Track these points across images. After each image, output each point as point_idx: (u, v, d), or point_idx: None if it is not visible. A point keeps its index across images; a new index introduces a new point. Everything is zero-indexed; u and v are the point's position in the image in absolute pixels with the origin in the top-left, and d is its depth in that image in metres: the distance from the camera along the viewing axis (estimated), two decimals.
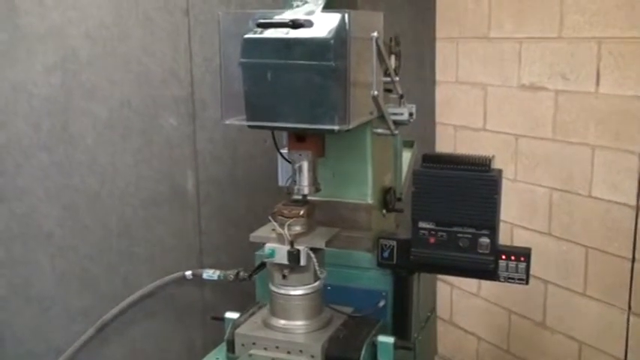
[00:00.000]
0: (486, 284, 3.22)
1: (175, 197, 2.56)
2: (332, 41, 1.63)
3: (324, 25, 1.64)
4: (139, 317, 2.54)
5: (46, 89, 2.24)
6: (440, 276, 3.42)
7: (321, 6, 1.71)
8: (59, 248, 2.34)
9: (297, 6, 1.74)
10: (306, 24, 1.65)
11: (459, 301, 3.44)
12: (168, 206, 2.55)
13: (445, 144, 3.37)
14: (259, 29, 1.70)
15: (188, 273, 2.56)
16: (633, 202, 2.52)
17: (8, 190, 2.22)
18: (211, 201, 2.65)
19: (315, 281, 1.86)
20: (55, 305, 2.36)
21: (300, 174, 1.84)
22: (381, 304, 2.01)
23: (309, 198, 1.88)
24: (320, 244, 1.82)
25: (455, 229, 1.87)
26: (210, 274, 2.53)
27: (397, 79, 2.03)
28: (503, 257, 1.87)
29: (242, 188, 2.70)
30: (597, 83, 2.61)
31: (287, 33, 1.66)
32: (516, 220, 3.02)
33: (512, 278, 1.88)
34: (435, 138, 3.43)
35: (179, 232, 2.59)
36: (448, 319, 3.52)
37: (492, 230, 1.84)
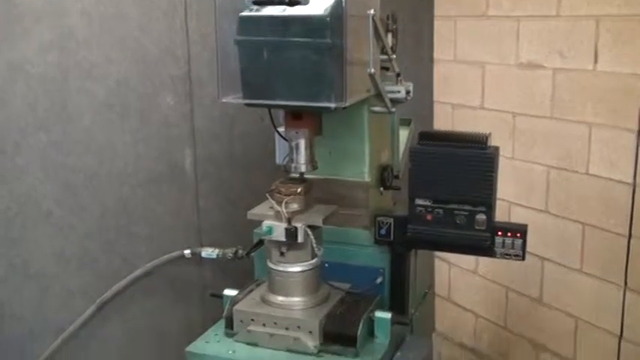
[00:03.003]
0: (484, 262, 3.24)
1: (173, 176, 2.56)
2: (328, 18, 1.63)
3: (320, 2, 1.64)
4: (138, 296, 2.55)
5: (42, 68, 2.23)
6: (438, 254, 3.44)
7: None
8: (58, 227, 2.34)
9: None
10: (303, 1, 1.65)
11: (456, 278, 3.46)
12: (167, 185, 2.55)
13: (443, 122, 3.37)
14: (255, 7, 1.70)
15: (187, 252, 2.57)
16: (630, 179, 2.52)
17: (6, 169, 2.22)
18: (209, 179, 2.65)
19: (313, 258, 1.87)
20: (55, 284, 2.37)
21: (297, 152, 1.85)
22: (379, 280, 2.02)
23: (306, 176, 1.88)
24: (317, 221, 1.83)
25: (452, 206, 1.88)
26: (208, 252, 2.55)
27: (394, 56, 2.03)
28: (500, 234, 1.88)
29: (240, 166, 2.70)
30: (595, 61, 2.60)
31: (283, 10, 1.66)
32: (514, 198, 3.03)
33: (509, 254, 1.89)
34: (433, 117, 3.43)
35: (177, 211, 2.60)
36: (446, 297, 3.54)
37: (489, 207, 1.85)
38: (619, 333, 2.66)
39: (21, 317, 2.32)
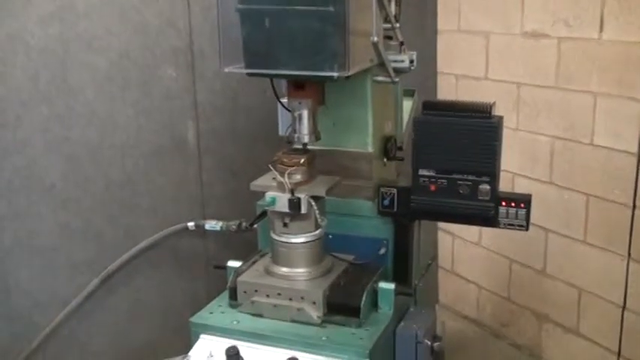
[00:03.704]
0: (487, 233, 3.24)
1: (176, 148, 2.56)
2: None
3: None
4: (142, 268, 2.56)
5: (43, 40, 2.22)
6: (441, 226, 3.44)
7: None
8: (61, 200, 2.35)
9: None
10: None
11: (460, 250, 3.47)
12: (170, 157, 2.55)
13: (447, 94, 3.34)
14: None
15: (190, 224, 2.58)
16: (635, 149, 2.51)
17: (9, 142, 2.22)
18: (212, 152, 2.65)
19: (316, 229, 1.87)
20: (59, 257, 2.38)
21: (300, 122, 1.84)
22: (382, 251, 2.02)
23: (309, 147, 1.87)
24: (320, 192, 1.82)
25: (455, 176, 1.87)
26: (212, 224, 2.55)
27: (398, 25, 2.01)
28: (504, 204, 1.87)
29: (242, 139, 2.69)
30: (601, 29, 2.57)
31: None
32: (518, 169, 3.02)
33: (513, 224, 1.89)
34: (437, 88, 3.41)
35: (180, 184, 2.60)
36: (449, 269, 3.55)
37: (493, 177, 1.84)
38: (622, 304, 2.66)
39: (27, 289, 2.33)
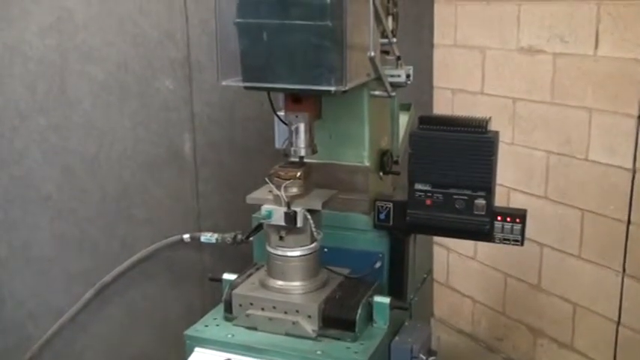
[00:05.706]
0: (482, 248, 3.25)
1: (173, 160, 2.56)
2: (329, 1, 1.61)
3: None
4: (138, 279, 2.56)
5: (41, 51, 2.22)
6: (436, 239, 3.44)
7: None
8: (58, 211, 2.35)
9: None
10: None
11: (455, 264, 3.47)
12: (166, 169, 2.55)
13: (443, 108, 3.36)
14: None
15: (186, 236, 2.58)
16: (630, 164, 2.52)
17: (5, 152, 2.22)
18: (209, 164, 2.65)
19: (312, 242, 1.87)
20: (55, 267, 2.37)
21: (296, 136, 1.84)
22: (378, 265, 2.02)
23: (305, 160, 1.88)
24: (317, 205, 1.83)
25: (451, 190, 1.88)
26: (208, 237, 2.55)
27: (394, 40, 2.02)
28: (499, 218, 1.88)
29: (239, 151, 2.70)
30: (596, 46, 2.59)
31: None
32: (513, 183, 3.03)
33: (508, 239, 1.89)
34: (433, 102, 3.42)
35: (177, 195, 2.60)
36: (444, 282, 3.55)
37: (488, 192, 1.85)
38: (617, 319, 2.67)
39: (21, 300, 2.33)
